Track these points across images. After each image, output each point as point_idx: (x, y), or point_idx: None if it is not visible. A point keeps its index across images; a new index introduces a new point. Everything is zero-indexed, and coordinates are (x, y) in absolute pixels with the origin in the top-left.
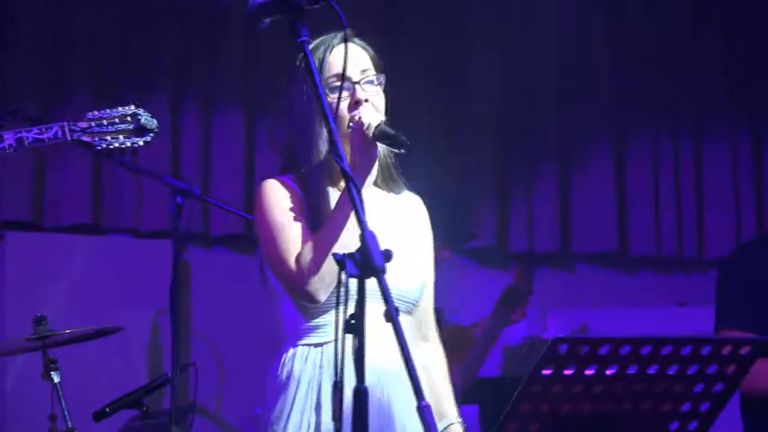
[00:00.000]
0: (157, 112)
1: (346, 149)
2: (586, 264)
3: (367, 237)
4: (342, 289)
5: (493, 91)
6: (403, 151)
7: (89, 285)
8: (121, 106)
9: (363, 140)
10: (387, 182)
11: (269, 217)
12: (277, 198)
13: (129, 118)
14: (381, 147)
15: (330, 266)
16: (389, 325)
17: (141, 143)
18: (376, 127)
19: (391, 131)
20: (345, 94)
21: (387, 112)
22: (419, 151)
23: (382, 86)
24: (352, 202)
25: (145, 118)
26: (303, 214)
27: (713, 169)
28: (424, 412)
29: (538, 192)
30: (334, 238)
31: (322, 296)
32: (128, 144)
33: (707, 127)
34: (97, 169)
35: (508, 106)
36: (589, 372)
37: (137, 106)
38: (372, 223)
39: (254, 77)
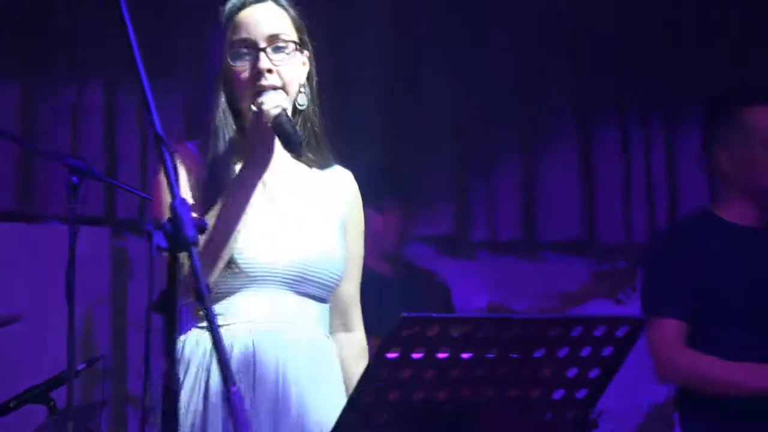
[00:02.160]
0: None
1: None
2: (551, 252)
3: (178, 207)
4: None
5: (452, 75)
6: (293, 152)
7: (18, 273)
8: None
9: (259, 128)
10: (313, 155)
11: (161, 193)
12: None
13: None
14: (309, 117)
15: (208, 261)
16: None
17: None
18: (274, 118)
19: (286, 127)
20: (247, 61)
21: (312, 78)
22: (375, 137)
23: (295, 52)
24: (165, 169)
25: None
26: (195, 185)
27: (686, 155)
28: (233, 398)
29: (499, 177)
30: (216, 232)
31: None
32: None
33: (678, 113)
34: (25, 155)
35: (466, 90)
36: (442, 355)
37: None
38: (282, 201)
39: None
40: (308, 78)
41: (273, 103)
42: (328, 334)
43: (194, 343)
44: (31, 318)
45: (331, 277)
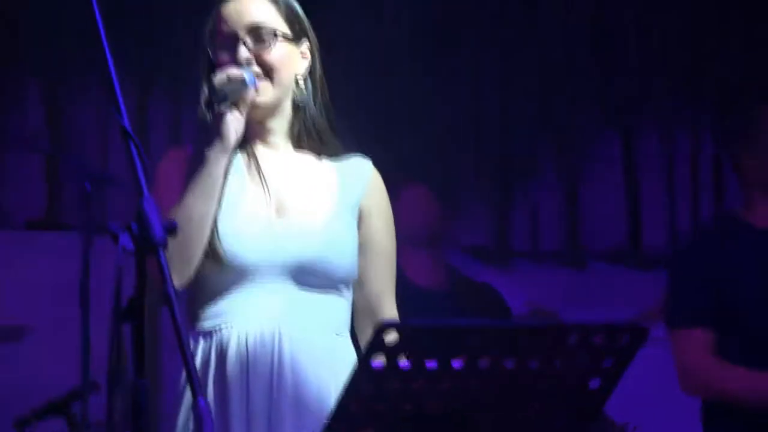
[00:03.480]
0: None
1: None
2: (597, 262)
3: (144, 205)
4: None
5: (496, 82)
6: (221, 106)
7: (45, 282)
8: None
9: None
10: (315, 145)
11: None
12: (166, 171)
13: None
14: (310, 112)
15: (179, 248)
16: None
17: None
18: (207, 94)
19: (215, 86)
20: (228, 53)
21: (316, 72)
22: (414, 140)
23: (282, 42)
24: (132, 165)
25: None
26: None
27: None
28: (200, 409)
29: (540, 185)
30: (183, 215)
31: (175, 282)
32: None
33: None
34: (54, 163)
35: (511, 97)
36: (431, 365)
37: None
38: (276, 190)
39: None
40: (310, 72)
41: (219, 79)
42: (341, 332)
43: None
44: (57, 328)
45: (337, 267)
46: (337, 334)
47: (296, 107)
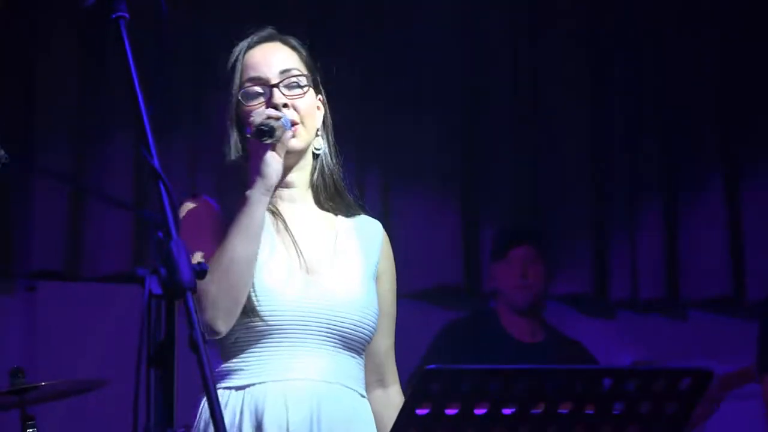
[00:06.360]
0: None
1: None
2: (698, 311)
3: (173, 248)
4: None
5: (586, 126)
6: (267, 140)
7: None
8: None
9: (251, 143)
10: (334, 203)
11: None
12: (189, 220)
13: None
14: (327, 162)
15: (225, 290)
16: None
17: None
18: (257, 126)
19: (262, 125)
20: (261, 100)
21: (328, 123)
22: (507, 188)
23: (309, 89)
24: (161, 206)
25: None
26: (215, 236)
27: None
28: None
29: (641, 231)
30: (228, 257)
31: (221, 326)
32: None
33: None
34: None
35: (606, 141)
36: (479, 411)
37: None
38: (307, 249)
39: None
40: (324, 123)
41: (261, 115)
42: (363, 393)
43: (222, 405)
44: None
45: (365, 329)
46: (361, 396)
47: (314, 158)
